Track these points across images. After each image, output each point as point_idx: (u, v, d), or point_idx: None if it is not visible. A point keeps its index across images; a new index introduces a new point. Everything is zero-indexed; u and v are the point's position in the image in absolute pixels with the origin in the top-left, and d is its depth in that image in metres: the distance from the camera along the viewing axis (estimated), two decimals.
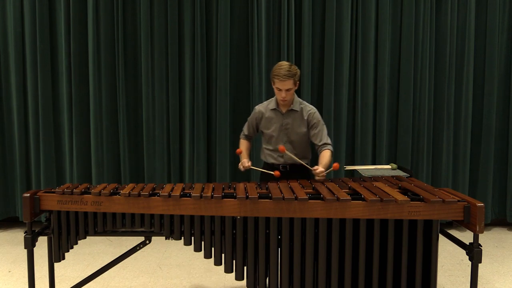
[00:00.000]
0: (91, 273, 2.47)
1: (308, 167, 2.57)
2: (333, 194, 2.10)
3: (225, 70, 3.83)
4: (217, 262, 2.18)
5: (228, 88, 3.85)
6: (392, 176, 2.61)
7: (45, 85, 3.87)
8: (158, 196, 2.14)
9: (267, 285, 2.15)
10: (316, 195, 2.12)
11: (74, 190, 2.17)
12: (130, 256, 2.59)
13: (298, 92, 3.86)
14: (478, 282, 2.36)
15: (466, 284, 2.96)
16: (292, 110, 2.65)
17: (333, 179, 2.59)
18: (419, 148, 3.95)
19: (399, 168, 2.83)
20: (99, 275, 2.42)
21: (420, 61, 3.89)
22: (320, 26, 3.86)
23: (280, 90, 2.54)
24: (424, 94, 3.90)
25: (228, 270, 2.17)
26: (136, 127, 3.97)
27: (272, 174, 2.58)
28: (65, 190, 2.18)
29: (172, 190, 2.19)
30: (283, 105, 2.65)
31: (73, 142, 3.91)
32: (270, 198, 2.08)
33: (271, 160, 2.72)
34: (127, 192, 2.14)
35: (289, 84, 2.51)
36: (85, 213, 2.20)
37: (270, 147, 2.72)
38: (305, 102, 2.71)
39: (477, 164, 4.07)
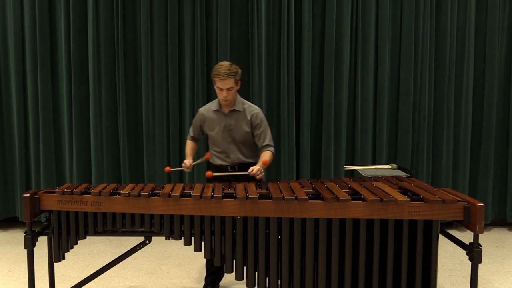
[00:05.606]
0: (91, 273, 2.47)
1: (244, 173, 2.48)
2: (333, 194, 2.10)
3: None
4: (217, 262, 2.18)
5: None
6: (392, 176, 2.61)
7: (45, 85, 3.87)
8: (158, 196, 2.14)
9: (267, 285, 2.16)
10: (316, 195, 2.12)
11: (74, 190, 2.17)
12: (130, 256, 2.58)
13: (299, 92, 3.87)
14: (478, 282, 2.35)
15: (466, 284, 2.96)
16: (234, 110, 2.63)
17: (333, 179, 2.59)
18: (419, 148, 3.94)
19: (399, 168, 2.83)
20: (99, 275, 2.42)
21: (420, 61, 3.88)
22: (320, 26, 3.86)
23: (221, 89, 2.52)
24: (424, 94, 3.89)
25: (228, 270, 2.18)
26: (136, 127, 3.96)
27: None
28: (65, 190, 2.18)
29: (172, 190, 2.19)
30: (225, 105, 2.63)
31: (73, 142, 3.90)
32: (270, 198, 2.08)
33: (218, 162, 2.70)
34: (127, 192, 2.14)
35: (230, 83, 2.50)
36: (85, 213, 2.20)
37: (216, 149, 2.70)
38: (248, 103, 2.69)
39: (477, 164, 4.06)
